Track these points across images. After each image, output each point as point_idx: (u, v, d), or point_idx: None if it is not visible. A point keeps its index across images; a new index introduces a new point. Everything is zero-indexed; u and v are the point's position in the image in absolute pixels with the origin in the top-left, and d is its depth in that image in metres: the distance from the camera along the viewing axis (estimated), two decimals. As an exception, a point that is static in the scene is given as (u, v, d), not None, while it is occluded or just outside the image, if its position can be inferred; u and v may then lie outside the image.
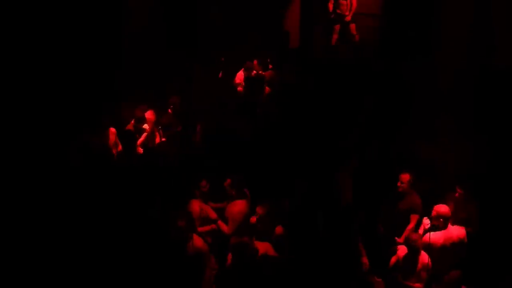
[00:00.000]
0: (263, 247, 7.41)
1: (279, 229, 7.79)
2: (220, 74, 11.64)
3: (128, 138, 9.20)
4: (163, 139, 9.73)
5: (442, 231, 7.54)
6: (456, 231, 7.56)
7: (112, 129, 9.50)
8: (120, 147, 9.39)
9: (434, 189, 8.38)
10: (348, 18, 12.30)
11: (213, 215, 8.17)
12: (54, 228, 7.46)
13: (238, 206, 8.13)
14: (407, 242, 7.40)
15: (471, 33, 10.28)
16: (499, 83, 9.70)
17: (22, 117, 9.08)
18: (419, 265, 7.35)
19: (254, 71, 11.16)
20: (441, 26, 10.53)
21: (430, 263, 7.36)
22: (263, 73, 11.30)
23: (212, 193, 8.28)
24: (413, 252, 7.33)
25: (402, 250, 7.50)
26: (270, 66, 11.61)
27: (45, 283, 7.06)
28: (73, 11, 10.15)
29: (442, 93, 10.12)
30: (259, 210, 7.84)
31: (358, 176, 8.60)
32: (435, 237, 7.51)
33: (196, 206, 8.00)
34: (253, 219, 7.96)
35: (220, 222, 8.11)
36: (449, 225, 7.57)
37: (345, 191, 8.43)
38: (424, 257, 7.37)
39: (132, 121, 9.74)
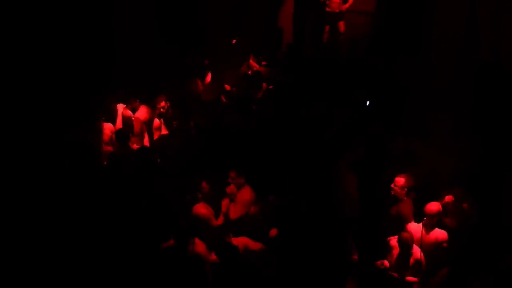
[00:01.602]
0: (242, 241, 7.36)
1: (273, 232, 7.73)
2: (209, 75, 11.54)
3: (120, 136, 9.11)
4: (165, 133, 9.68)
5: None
6: (435, 233, 7.53)
7: (109, 125, 9.42)
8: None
9: (428, 187, 8.38)
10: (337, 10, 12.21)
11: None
12: (46, 228, 7.39)
13: (248, 193, 8.13)
14: (399, 241, 7.38)
15: (465, 30, 10.31)
16: (491, 78, 9.74)
17: (13, 114, 9.01)
18: (412, 261, 7.35)
19: (253, 68, 11.16)
20: (435, 22, 10.54)
21: (423, 258, 7.37)
22: (259, 69, 11.28)
23: (213, 192, 8.21)
24: (405, 249, 7.34)
25: (395, 248, 7.49)
26: (264, 63, 11.58)
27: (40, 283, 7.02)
28: (64, 6, 10.07)
29: (436, 90, 10.14)
30: (253, 208, 7.79)
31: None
32: (416, 229, 7.49)
33: (202, 209, 7.90)
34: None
35: (231, 205, 8.07)
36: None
37: (347, 188, 8.36)
38: (416, 253, 7.38)
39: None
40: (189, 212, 7.86)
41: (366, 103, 9.99)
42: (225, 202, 8.13)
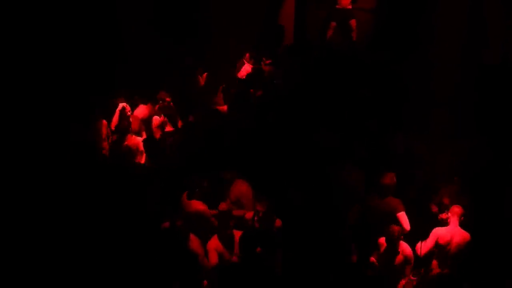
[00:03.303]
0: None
1: (278, 222, 7.70)
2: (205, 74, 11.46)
3: (119, 133, 9.07)
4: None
5: (449, 229, 7.53)
6: (463, 234, 7.53)
7: (105, 122, 9.39)
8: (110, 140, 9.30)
9: (428, 185, 8.33)
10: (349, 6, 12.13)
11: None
12: (43, 226, 7.37)
13: (243, 184, 8.06)
14: (387, 234, 7.39)
15: (466, 29, 10.25)
16: (492, 79, 9.67)
17: (16, 112, 9.02)
18: (400, 258, 7.36)
19: (252, 66, 11.10)
20: (437, 19, 10.48)
21: (412, 256, 7.40)
22: (261, 67, 11.21)
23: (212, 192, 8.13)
24: (391, 244, 7.35)
25: (383, 246, 7.54)
26: (268, 61, 11.51)
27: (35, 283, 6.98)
28: (66, 6, 10.06)
29: (438, 88, 10.08)
30: (259, 207, 7.63)
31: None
32: (441, 233, 7.52)
33: (199, 205, 7.80)
34: (249, 215, 7.80)
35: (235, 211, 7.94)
36: (457, 225, 7.54)
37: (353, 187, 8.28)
38: (406, 250, 7.39)
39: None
40: (186, 207, 7.79)
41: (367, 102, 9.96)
42: None
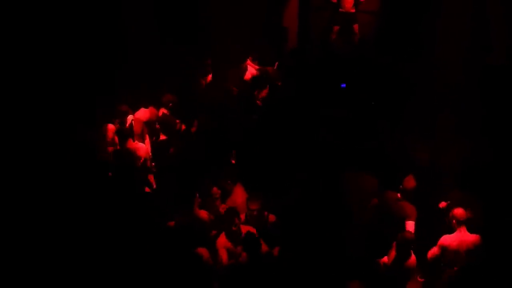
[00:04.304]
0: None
1: (272, 217, 7.72)
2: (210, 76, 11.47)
3: (121, 136, 9.07)
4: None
5: (457, 236, 7.37)
6: (471, 238, 7.37)
7: (111, 126, 9.39)
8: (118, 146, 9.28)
9: (433, 189, 8.31)
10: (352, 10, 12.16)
11: None
12: (46, 227, 7.38)
13: (241, 197, 8.03)
14: (398, 242, 7.18)
15: (470, 30, 10.26)
16: (497, 81, 9.67)
17: (17, 113, 9.03)
18: (409, 270, 7.20)
19: (255, 68, 11.11)
20: (439, 22, 10.49)
21: (414, 262, 7.22)
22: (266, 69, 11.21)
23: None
24: (403, 253, 7.14)
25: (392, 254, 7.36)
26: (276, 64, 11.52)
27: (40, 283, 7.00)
28: (69, 6, 10.09)
29: (442, 89, 10.08)
30: (252, 206, 7.64)
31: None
32: (449, 241, 7.36)
33: (204, 214, 7.79)
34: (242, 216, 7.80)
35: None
36: (464, 230, 7.39)
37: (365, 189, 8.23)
38: (412, 257, 7.23)
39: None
40: (193, 216, 7.79)
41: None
42: None
